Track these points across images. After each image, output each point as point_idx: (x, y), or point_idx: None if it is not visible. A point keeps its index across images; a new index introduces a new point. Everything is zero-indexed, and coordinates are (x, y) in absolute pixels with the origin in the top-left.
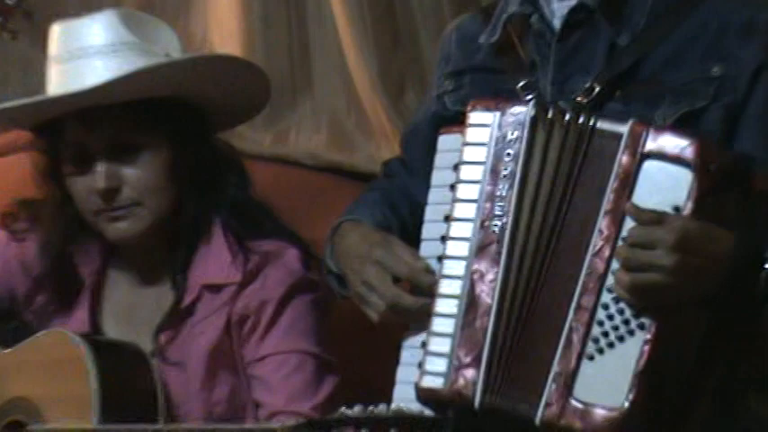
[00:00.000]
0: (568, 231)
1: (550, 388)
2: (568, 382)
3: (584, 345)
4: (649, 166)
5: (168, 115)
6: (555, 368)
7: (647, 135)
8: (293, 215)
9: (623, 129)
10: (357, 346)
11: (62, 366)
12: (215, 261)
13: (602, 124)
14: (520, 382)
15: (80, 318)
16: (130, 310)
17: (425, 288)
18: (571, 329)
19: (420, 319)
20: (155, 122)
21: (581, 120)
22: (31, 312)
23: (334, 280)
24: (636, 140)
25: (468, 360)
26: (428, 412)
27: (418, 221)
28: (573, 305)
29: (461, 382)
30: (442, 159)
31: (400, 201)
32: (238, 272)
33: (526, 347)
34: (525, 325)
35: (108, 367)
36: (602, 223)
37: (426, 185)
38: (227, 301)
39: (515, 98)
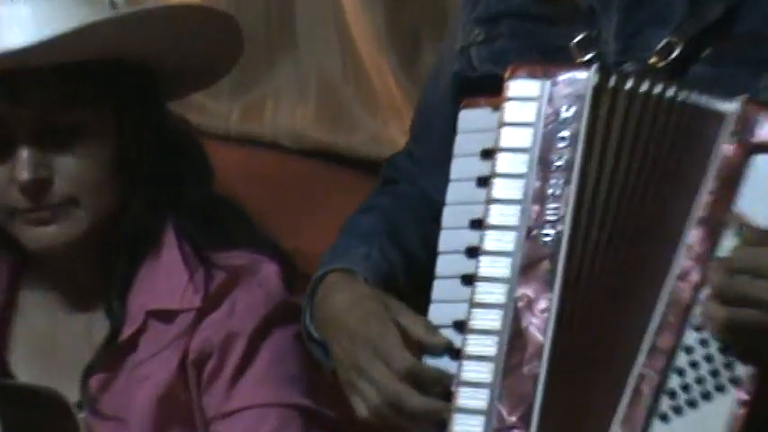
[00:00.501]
0: (643, 244)
1: None
2: None
3: (656, 399)
4: (759, 161)
5: (113, 83)
6: (616, 429)
7: (759, 119)
8: (270, 216)
9: (730, 107)
10: None
11: None
12: (166, 279)
13: (694, 98)
14: None
15: None
16: (50, 344)
17: (429, 384)
18: (642, 378)
19: (425, 426)
20: (95, 93)
21: (657, 89)
22: None
23: (318, 349)
24: (746, 126)
25: (513, 419)
26: None
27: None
28: (646, 345)
29: None
30: (465, 143)
31: (405, 219)
32: (197, 294)
33: (585, 401)
34: (586, 371)
35: (17, 422)
36: (692, 236)
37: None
38: (182, 333)
39: (569, 59)
